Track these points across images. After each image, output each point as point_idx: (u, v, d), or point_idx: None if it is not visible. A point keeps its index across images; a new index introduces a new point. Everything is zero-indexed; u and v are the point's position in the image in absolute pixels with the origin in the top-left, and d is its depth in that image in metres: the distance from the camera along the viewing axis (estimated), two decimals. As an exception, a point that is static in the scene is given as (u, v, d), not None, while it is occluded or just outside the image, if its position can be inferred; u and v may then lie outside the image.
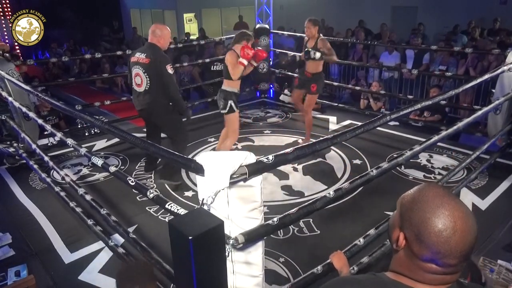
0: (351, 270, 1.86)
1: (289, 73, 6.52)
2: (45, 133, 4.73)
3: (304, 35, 6.07)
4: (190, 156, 1.66)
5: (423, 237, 0.86)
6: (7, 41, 11.63)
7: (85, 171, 4.28)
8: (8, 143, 4.36)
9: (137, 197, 3.62)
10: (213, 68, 6.61)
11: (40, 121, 3.56)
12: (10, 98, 4.00)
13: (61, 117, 5.97)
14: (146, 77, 3.56)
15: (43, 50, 12.39)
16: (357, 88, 6.16)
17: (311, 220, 3.20)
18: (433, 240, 0.85)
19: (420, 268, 0.89)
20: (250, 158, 1.57)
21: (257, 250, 1.71)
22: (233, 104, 4.07)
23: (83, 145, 2.84)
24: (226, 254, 1.47)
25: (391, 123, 5.15)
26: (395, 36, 8.15)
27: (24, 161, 4.18)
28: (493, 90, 5.05)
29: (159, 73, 3.52)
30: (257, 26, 6.37)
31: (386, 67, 6.53)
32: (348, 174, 4.06)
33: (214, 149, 4.76)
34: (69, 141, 2.82)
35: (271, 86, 6.75)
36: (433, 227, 0.85)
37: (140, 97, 3.66)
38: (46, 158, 3.53)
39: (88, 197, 3.00)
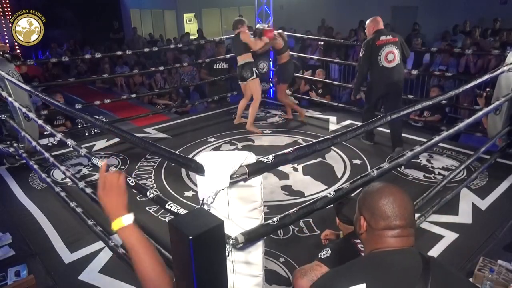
0: None
1: (296, 75, 6.53)
2: (45, 133, 4.73)
3: (305, 36, 6.19)
4: (190, 156, 1.65)
5: (375, 211, 1.19)
6: (7, 41, 11.63)
7: (85, 171, 4.28)
8: (8, 143, 4.36)
9: (137, 197, 3.62)
10: (216, 66, 6.63)
11: (40, 121, 3.56)
12: (10, 98, 3.99)
13: (67, 116, 5.95)
14: (399, 53, 4.23)
15: (43, 50, 12.38)
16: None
17: (311, 220, 3.20)
18: (381, 210, 1.18)
19: (381, 236, 1.17)
20: (250, 158, 1.57)
21: (257, 250, 1.71)
22: (255, 70, 5.12)
23: (83, 145, 2.85)
24: (226, 254, 1.47)
25: (391, 123, 5.16)
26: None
27: (24, 161, 4.18)
28: (478, 91, 5.11)
29: (403, 49, 4.31)
30: (257, 26, 6.37)
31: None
32: (348, 174, 4.06)
33: (213, 150, 4.76)
34: (69, 141, 2.82)
35: (272, 86, 6.75)
36: (379, 202, 1.19)
37: (389, 72, 4.24)
38: (46, 155, 3.53)
39: (88, 190, 2.99)
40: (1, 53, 4.27)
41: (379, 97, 4.50)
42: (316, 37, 8.07)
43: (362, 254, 1.88)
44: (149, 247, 1.17)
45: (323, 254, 1.94)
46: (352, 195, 2.30)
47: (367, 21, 4.52)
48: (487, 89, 4.72)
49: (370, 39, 4.32)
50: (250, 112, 5.22)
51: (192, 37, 12.61)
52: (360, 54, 4.42)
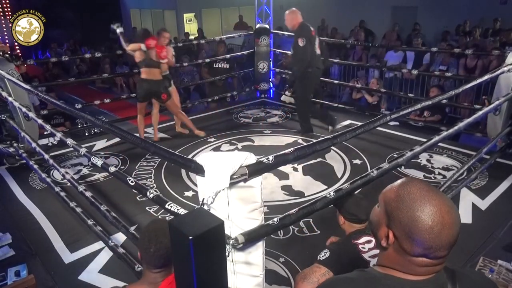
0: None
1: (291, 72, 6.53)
2: (45, 133, 4.73)
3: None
4: (190, 156, 1.66)
5: (415, 235, 0.89)
6: (7, 41, 11.64)
7: (85, 171, 4.28)
8: (8, 143, 4.36)
9: (137, 197, 3.62)
10: (215, 65, 6.62)
11: (40, 121, 3.56)
12: (10, 98, 3.99)
13: (67, 117, 5.93)
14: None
15: (43, 50, 12.39)
16: (358, 85, 6.14)
17: (311, 220, 3.20)
18: (425, 237, 0.88)
19: (411, 263, 0.92)
20: (250, 158, 1.57)
21: (258, 250, 1.71)
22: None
23: (83, 145, 2.84)
24: (227, 254, 1.47)
25: (391, 123, 5.16)
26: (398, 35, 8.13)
27: (24, 161, 4.18)
28: (484, 100, 5.13)
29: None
30: (257, 26, 6.38)
31: (387, 67, 6.53)
32: (348, 174, 4.06)
33: (213, 150, 4.76)
34: (69, 141, 2.82)
35: (272, 86, 6.75)
36: (424, 224, 0.88)
37: (320, 58, 4.84)
38: (46, 156, 3.53)
39: (88, 194, 3.00)
40: (1, 53, 4.26)
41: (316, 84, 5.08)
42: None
43: (364, 255, 1.88)
44: None
45: (322, 256, 1.92)
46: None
47: (288, 13, 4.80)
48: (484, 97, 4.80)
49: (308, 30, 4.70)
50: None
51: (192, 37, 12.62)
52: (302, 44, 4.62)
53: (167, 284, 1.48)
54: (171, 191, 3.82)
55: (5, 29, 12.35)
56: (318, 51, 4.81)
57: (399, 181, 0.99)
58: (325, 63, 5.24)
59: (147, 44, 4.50)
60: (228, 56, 6.85)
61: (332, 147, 4.53)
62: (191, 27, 14.84)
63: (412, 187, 0.93)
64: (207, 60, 6.64)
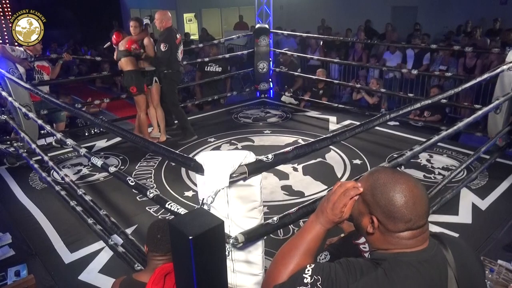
0: None
1: (292, 72, 6.52)
2: (42, 131, 4.72)
3: (305, 34, 6.03)
4: (190, 156, 1.66)
5: (395, 213, 1.01)
6: (7, 41, 11.62)
7: (85, 171, 4.28)
8: (9, 143, 4.36)
9: (137, 197, 3.62)
10: (207, 68, 6.49)
11: (40, 121, 3.56)
12: (10, 98, 3.99)
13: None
14: None
15: (43, 50, 12.36)
16: (357, 85, 6.13)
17: (311, 220, 3.20)
18: (403, 212, 1.00)
19: (401, 239, 1.03)
20: (249, 157, 1.57)
21: (257, 250, 1.71)
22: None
23: (83, 145, 2.84)
24: (226, 253, 1.47)
25: (391, 123, 5.17)
26: (396, 36, 8.12)
27: (24, 161, 4.18)
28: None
29: None
30: (257, 26, 6.37)
31: (387, 67, 6.52)
32: (348, 174, 4.06)
33: (213, 150, 4.76)
34: (69, 141, 2.82)
35: (272, 86, 6.75)
36: (399, 201, 1.00)
37: (179, 63, 4.89)
38: (45, 158, 3.53)
39: (87, 198, 3.00)
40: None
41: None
42: (316, 36, 8.07)
43: (365, 255, 1.87)
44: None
45: (322, 259, 1.91)
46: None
47: (160, 13, 4.73)
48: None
49: (172, 37, 4.69)
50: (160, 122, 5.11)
51: (192, 37, 12.61)
52: (164, 49, 4.63)
53: (159, 271, 1.59)
54: (171, 191, 3.82)
55: (5, 29, 12.33)
56: (180, 57, 4.86)
57: (366, 173, 1.12)
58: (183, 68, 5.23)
59: (113, 41, 4.82)
60: (225, 56, 6.79)
61: (332, 147, 4.54)
62: (191, 27, 14.84)
63: (378, 173, 1.07)
64: (206, 59, 6.60)
